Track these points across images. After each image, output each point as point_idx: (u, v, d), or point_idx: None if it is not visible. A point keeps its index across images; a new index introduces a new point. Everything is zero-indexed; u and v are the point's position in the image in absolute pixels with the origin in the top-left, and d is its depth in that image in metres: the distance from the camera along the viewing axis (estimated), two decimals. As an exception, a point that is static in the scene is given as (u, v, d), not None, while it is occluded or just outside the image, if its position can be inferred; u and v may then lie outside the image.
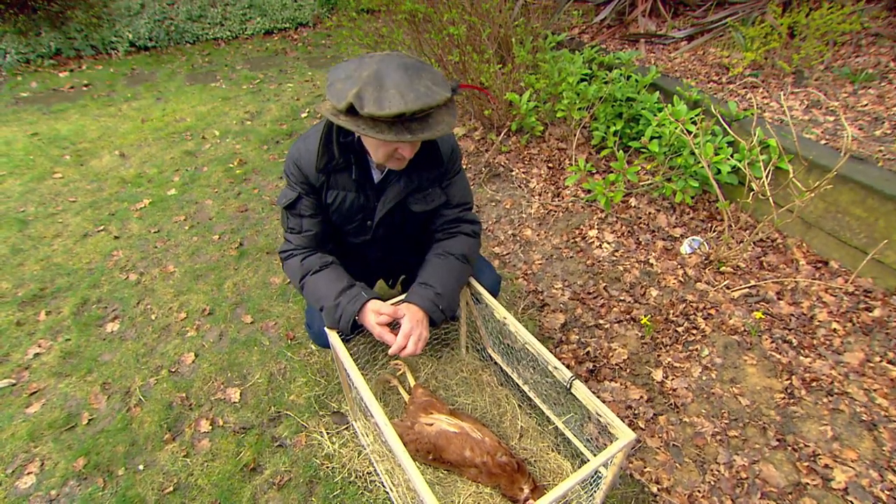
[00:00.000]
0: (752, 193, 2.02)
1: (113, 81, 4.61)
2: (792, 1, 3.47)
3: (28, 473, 1.61)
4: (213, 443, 1.66)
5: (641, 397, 1.72)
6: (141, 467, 1.61)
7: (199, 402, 1.80)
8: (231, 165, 3.22)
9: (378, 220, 1.38)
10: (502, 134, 3.03)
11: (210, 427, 1.71)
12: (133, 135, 3.64)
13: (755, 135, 2.13)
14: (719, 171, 2.25)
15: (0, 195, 3.02)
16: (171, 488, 1.54)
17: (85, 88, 4.51)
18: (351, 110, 1.00)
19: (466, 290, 1.54)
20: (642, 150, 2.53)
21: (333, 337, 1.28)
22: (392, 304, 1.31)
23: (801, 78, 2.82)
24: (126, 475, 1.59)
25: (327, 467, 1.56)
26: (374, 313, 1.26)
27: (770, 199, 1.96)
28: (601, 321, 2.00)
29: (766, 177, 1.95)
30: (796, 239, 2.28)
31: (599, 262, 2.27)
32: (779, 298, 2.03)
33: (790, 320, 1.94)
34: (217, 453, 1.63)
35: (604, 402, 1.54)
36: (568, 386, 1.19)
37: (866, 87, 2.67)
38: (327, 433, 1.66)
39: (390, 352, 1.26)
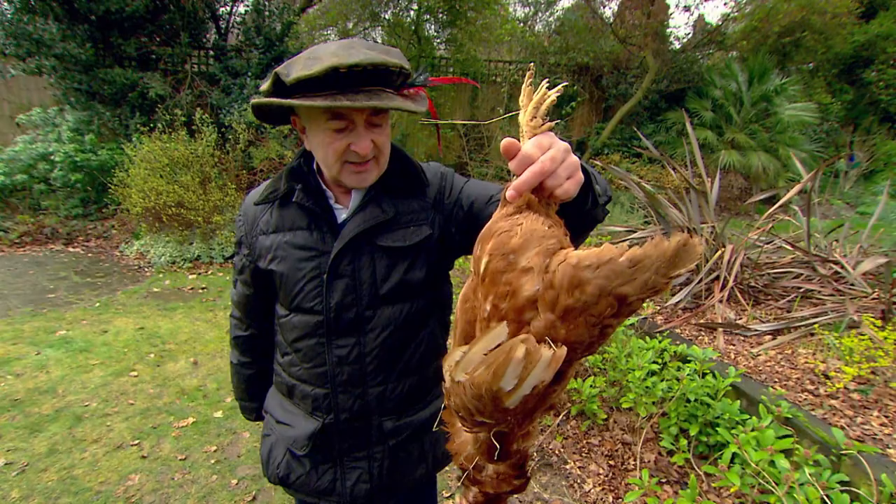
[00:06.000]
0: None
1: (224, 288, 5.31)
2: (891, 309, 3.24)
3: None
4: None
5: None
6: None
7: None
8: (283, 393, 3.24)
9: (335, 260, 1.03)
10: (560, 416, 2.79)
11: None
12: (213, 344, 3.95)
13: (877, 480, 1.69)
14: (833, 532, 1.74)
15: (80, 384, 3.25)
16: None
17: (201, 291, 5.21)
18: (278, 84, 0.87)
19: None
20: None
21: None
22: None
23: (926, 409, 2.38)
24: None
25: None
26: None
27: None
28: None
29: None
30: None
31: None
32: None
33: None
34: None
35: None
36: None
37: None
38: None
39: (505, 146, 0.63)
